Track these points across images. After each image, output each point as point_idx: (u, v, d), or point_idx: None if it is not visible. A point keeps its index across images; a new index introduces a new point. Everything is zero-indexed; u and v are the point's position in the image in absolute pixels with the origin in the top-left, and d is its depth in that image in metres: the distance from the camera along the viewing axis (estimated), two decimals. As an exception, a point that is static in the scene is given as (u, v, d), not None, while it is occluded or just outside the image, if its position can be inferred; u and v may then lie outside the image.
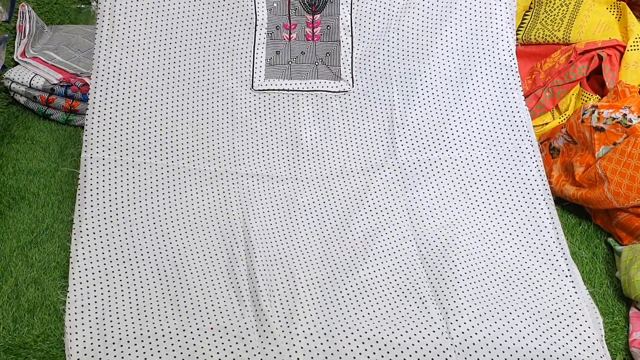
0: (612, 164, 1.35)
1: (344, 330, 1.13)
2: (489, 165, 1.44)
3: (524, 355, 1.11)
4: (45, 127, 1.76)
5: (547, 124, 1.73)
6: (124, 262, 1.22)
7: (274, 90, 1.55)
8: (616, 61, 1.65)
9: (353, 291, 1.22)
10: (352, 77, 1.57)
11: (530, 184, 1.39)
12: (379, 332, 1.12)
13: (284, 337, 1.11)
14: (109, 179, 1.32)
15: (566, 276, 1.26)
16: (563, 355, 1.11)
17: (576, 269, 1.27)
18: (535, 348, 1.11)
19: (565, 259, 1.29)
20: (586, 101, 1.68)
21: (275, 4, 1.58)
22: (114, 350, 1.06)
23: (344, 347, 1.10)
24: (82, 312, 1.12)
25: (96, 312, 1.13)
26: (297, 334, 1.11)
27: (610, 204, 1.36)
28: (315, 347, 1.10)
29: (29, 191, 1.49)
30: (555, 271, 1.27)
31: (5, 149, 1.63)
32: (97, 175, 1.31)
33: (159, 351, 1.07)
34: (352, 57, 1.58)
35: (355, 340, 1.11)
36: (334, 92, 1.57)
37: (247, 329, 1.11)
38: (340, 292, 1.21)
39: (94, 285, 1.17)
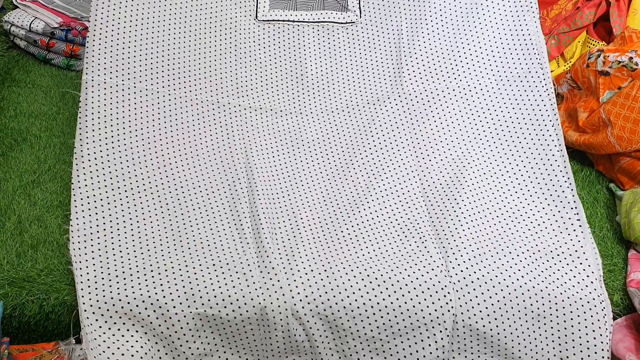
0: (617, 108, 1.34)
1: (344, 268, 1.14)
2: (497, 91, 1.42)
3: (522, 294, 1.12)
4: (46, 72, 1.75)
5: (552, 71, 1.71)
6: (125, 191, 1.22)
7: (278, 20, 1.52)
8: (624, 7, 1.62)
9: (354, 230, 1.22)
10: (359, 8, 1.55)
11: (539, 109, 1.37)
12: (378, 270, 1.13)
13: (285, 273, 1.12)
14: (110, 102, 1.30)
15: (572, 208, 1.25)
16: (561, 294, 1.13)
17: (581, 205, 1.27)
18: (533, 287, 1.12)
19: (572, 190, 1.28)
20: (593, 47, 1.66)
21: None
22: (117, 282, 1.08)
23: (343, 283, 1.11)
24: (85, 240, 1.13)
25: (99, 241, 1.14)
26: (298, 270, 1.12)
27: (613, 148, 1.36)
28: (316, 282, 1.11)
29: (30, 133, 1.49)
30: (561, 203, 1.27)
31: (6, 92, 1.62)
32: (98, 99, 1.29)
33: (161, 284, 1.08)
34: None
35: (354, 277, 1.12)
36: (341, 23, 1.54)
37: (248, 265, 1.12)
38: (342, 230, 1.22)
39: (96, 213, 1.17)
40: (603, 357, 1.12)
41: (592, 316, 1.12)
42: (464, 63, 1.46)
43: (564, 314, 1.12)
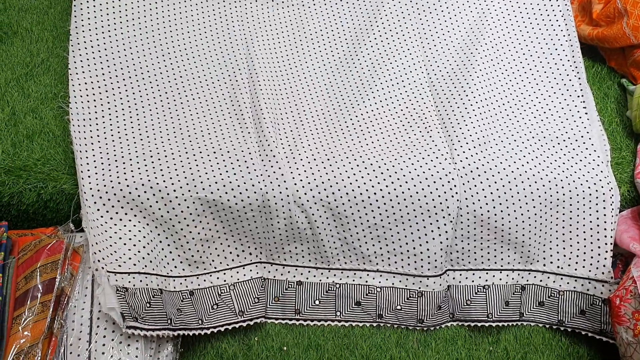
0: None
1: (347, 156, 1.12)
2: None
3: (528, 179, 1.11)
4: (35, -35, 1.67)
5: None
6: (123, 79, 1.19)
7: None
8: None
9: (358, 120, 1.20)
10: None
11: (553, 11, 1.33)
12: (382, 159, 1.12)
13: (287, 161, 1.10)
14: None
15: (578, 96, 1.24)
16: (567, 177, 1.12)
17: (590, 93, 1.25)
18: (538, 172, 1.11)
19: (579, 79, 1.26)
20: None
21: None
22: (117, 167, 1.07)
23: (346, 171, 1.09)
24: (85, 125, 1.11)
25: (97, 127, 1.12)
26: (301, 159, 1.11)
27: (628, 40, 1.30)
28: (318, 170, 1.10)
29: (21, 27, 1.43)
30: (567, 91, 1.25)
31: (-6, -15, 1.55)
32: None
33: (161, 170, 1.06)
34: None
35: (357, 165, 1.10)
36: None
37: (249, 153, 1.10)
38: (345, 120, 1.19)
39: (95, 100, 1.15)
40: (606, 244, 1.11)
41: (597, 197, 1.12)
42: None
43: (570, 198, 1.12)
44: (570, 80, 1.26)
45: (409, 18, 1.35)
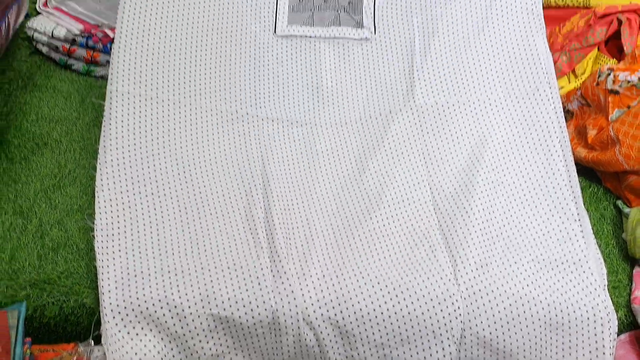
0: (625, 127, 1.36)
1: (355, 275, 1.17)
2: (505, 107, 1.45)
3: (527, 302, 1.15)
4: (66, 77, 1.80)
5: (562, 87, 1.74)
6: (146, 195, 1.26)
7: (296, 36, 1.57)
8: (635, 25, 1.64)
9: (365, 237, 1.25)
10: (374, 25, 1.59)
11: (546, 126, 1.40)
12: (389, 278, 1.17)
13: (297, 278, 1.15)
14: (134, 112, 1.35)
15: (575, 220, 1.29)
16: (565, 301, 1.16)
17: (587, 217, 1.30)
18: (538, 296, 1.16)
19: (576, 203, 1.31)
20: (603, 65, 1.69)
21: None
22: (136, 283, 1.11)
23: (354, 289, 1.14)
24: (108, 241, 1.17)
25: (119, 243, 1.17)
26: (310, 276, 1.16)
27: (620, 166, 1.38)
28: (327, 288, 1.14)
29: (51, 138, 1.53)
30: (565, 215, 1.30)
31: (28, 97, 1.66)
32: (122, 108, 1.34)
33: (177, 285, 1.12)
34: (374, 6, 1.60)
35: (365, 284, 1.15)
36: (356, 39, 1.58)
37: (262, 269, 1.15)
38: (354, 238, 1.25)
39: (118, 216, 1.21)
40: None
41: (595, 322, 1.15)
42: (474, 78, 1.49)
43: (569, 322, 1.15)
44: (567, 204, 1.31)
45: (414, 139, 1.44)
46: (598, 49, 1.72)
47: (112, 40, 1.78)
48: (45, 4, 1.86)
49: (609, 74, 1.43)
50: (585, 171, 1.54)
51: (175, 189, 1.30)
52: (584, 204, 1.44)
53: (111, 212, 1.22)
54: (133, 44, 1.40)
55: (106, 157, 1.29)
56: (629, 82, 1.38)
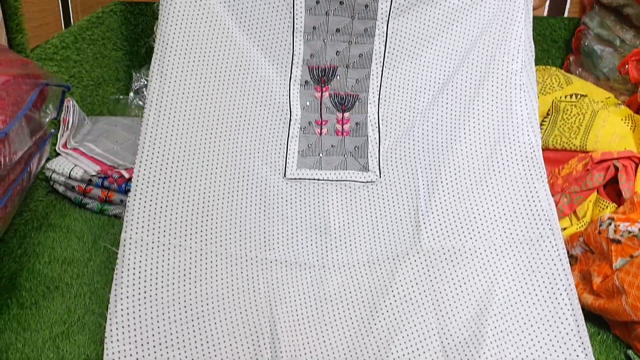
0: (630, 277, 1.38)
1: None
2: (511, 254, 1.48)
3: None
4: (80, 216, 1.85)
5: (565, 228, 1.77)
6: (154, 346, 1.26)
7: (304, 179, 1.62)
8: (632, 172, 1.70)
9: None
10: (379, 169, 1.65)
11: (552, 273, 1.42)
12: None
13: None
14: (145, 260, 1.38)
15: None
16: None
17: None
18: None
19: (586, 355, 1.30)
20: (603, 209, 1.73)
21: (308, 103, 1.69)
22: None
23: None
24: None
25: None
26: None
27: (628, 316, 1.38)
28: None
29: (62, 281, 1.55)
30: None
31: (42, 237, 1.70)
32: (135, 255, 1.37)
33: None
34: (379, 151, 1.67)
35: None
36: (362, 182, 1.64)
37: None
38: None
39: None
40: None
41: None
42: (478, 224, 1.53)
43: None
44: (577, 355, 1.31)
45: (422, 285, 1.46)
46: (597, 192, 1.77)
47: (127, 181, 1.85)
48: (65, 145, 1.96)
49: (609, 224, 1.46)
50: (594, 317, 1.54)
51: (183, 339, 1.30)
52: (594, 353, 1.43)
53: (119, 365, 1.22)
54: (148, 192, 1.45)
55: (117, 306, 1.31)
56: (630, 232, 1.41)
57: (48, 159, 1.88)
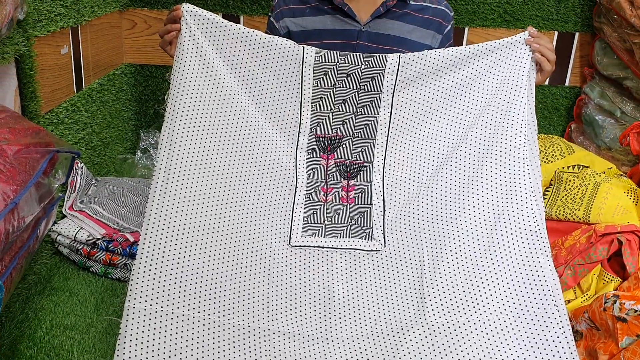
0: (637, 358, 1.37)
1: None
2: (516, 330, 1.46)
3: None
4: (83, 279, 1.84)
5: (569, 301, 1.77)
6: None
7: (309, 246, 1.63)
8: (635, 246, 1.71)
9: None
10: (384, 238, 1.65)
11: (557, 351, 1.40)
12: None
13: None
14: (148, 329, 1.36)
15: None
16: None
17: None
18: None
19: None
20: (607, 282, 1.73)
21: (314, 170, 1.71)
22: None
23: None
24: None
25: None
26: None
27: (636, 396, 1.37)
28: None
29: (63, 348, 1.53)
30: None
31: (45, 302, 1.70)
32: (137, 325, 1.36)
33: None
34: (384, 219, 1.67)
35: None
36: (367, 250, 1.64)
37: None
38: None
39: None
40: None
41: None
42: (483, 299, 1.52)
43: None
44: None
45: (427, 358, 1.44)
46: (601, 264, 1.77)
47: (131, 245, 1.86)
48: (71, 207, 1.97)
49: (615, 301, 1.46)
50: (600, 394, 1.52)
51: None
52: None
53: None
54: (153, 261, 1.45)
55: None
56: (635, 311, 1.40)
57: (54, 222, 1.89)
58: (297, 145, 1.72)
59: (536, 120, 1.74)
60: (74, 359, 1.51)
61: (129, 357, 1.32)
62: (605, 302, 1.48)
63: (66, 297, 1.74)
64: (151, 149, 2.70)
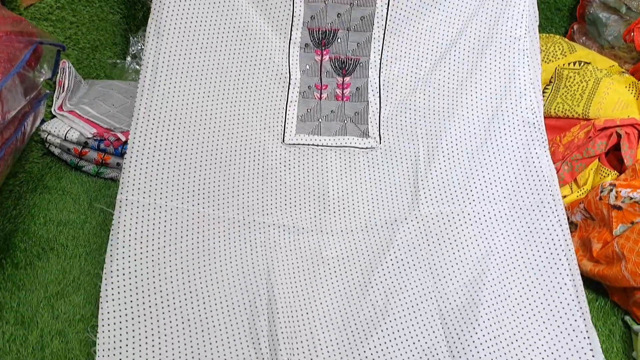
0: (630, 243, 1.37)
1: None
2: (510, 220, 1.46)
3: None
4: (76, 179, 1.83)
5: (566, 196, 1.76)
6: (150, 307, 1.25)
7: (303, 144, 1.60)
8: (634, 139, 1.68)
9: (371, 352, 1.23)
10: (379, 135, 1.63)
11: (552, 239, 1.40)
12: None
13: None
14: (142, 221, 1.36)
15: (584, 337, 1.27)
16: None
17: (595, 334, 1.28)
18: None
19: (584, 320, 1.29)
20: (604, 176, 1.71)
21: (308, 67, 1.66)
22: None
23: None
24: (109, 355, 1.16)
25: (120, 355, 1.16)
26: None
27: (627, 282, 1.38)
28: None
29: (57, 242, 1.53)
30: (574, 332, 1.28)
31: (37, 199, 1.69)
32: (131, 217, 1.36)
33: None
34: (379, 117, 1.64)
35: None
36: (362, 148, 1.62)
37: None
38: (359, 354, 1.23)
39: (121, 329, 1.20)
40: None
41: None
42: (477, 190, 1.51)
43: None
44: (575, 320, 1.30)
45: (420, 250, 1.44)
46: (599, 160, 1.75)
47: (123, 144, 1.83)
48: (61, 108, 1.93)
49: (611, 190, 1.45)
50: (592, 283, 1.53)
51: (179, 300, 1.29)
52: (592, 319, 1.42)
53: (114, 324, 1.21)
54: (144, 154, 1.43)
55: (112, 266, 1.29)
56: (631, 198, 1.39)
57: (43, 121, 1.85)
58: (290, 39, 1.66)
59: (538, 12, 1.67)
60: (68, 252, 1.51)
61: (123, 248, 1.32)
62: (602, 191, 1.47)
63: (59, 195, 1.73)
64: (141, 54, 2.62)
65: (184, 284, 1.32)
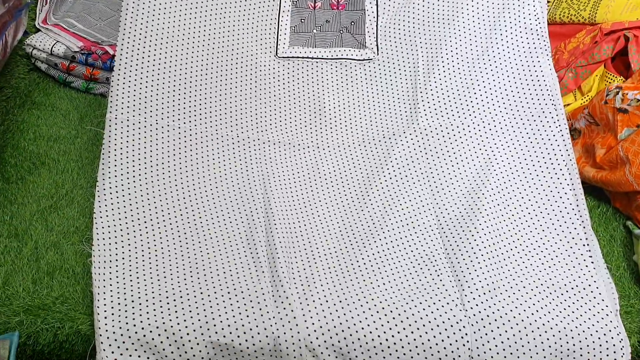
0: (635, 146, 1.33)
1: (359, 300, 1.14)
2: (510, 129, 1.43)
3: (538, 329, 1.12)
4: (65, 95, 1.77)
5: (569, 104, 1.71)
6: (145, 222, 1.24)
7: (297, 57, 1.54)
8: (643, 42, 1.62)
9: (370, 262, 1.22)
10: (377, 45, 1.56)
11: (552, 148, 1.38)
12: (394, 304, 1.13)
13: (300, 304, 1.12)
14: (133, 140, 1.33)
15: (583, 245, 1.26)
16: (575, 327, 1.12)
17: (595, 241, 1.27)
18: (548, 322, 1.13)
19: (584, 228, 1.28)
20: (610, 83, 1.66)
21: None
22: (133, 310, 1.08)
23: (358, 315, 1.11)
24: (105, 268, 1.15)
25: (117, 269, 1.15)
26: (313, 301, 1.13)
27: (630, 186, 1.35)
28: (330, 314, 1.11)
29: (49, 157, 1.50)
30: (573, 240, 1.27)
31: (26, 115, 1.64)
32: (122, 136, 1.32)
33: (176, 311, 1.09)
34: (377, 26, 1.58)
35: (369, 309, 1.12)
36: (358, 60, 1.56)
37: (263, 294, 1.12)
38: (357, 262, 1.22)
39: (116, 242, 1.19)
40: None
41: (607, 349, 1.12)
42: (478, 101, 1.47)
43: (581, 349, 1.12)
44: (575, 228, 1.29)
45: (418, 162, 1.41)
46: (605, 66, 1.69)
47: (111, 58, 1.76)
48: (45, 21, 1.85)
49: (617, 92, 1.40)
50: (594, 190, 1.51)
51: (174, 214, 1.27)
52: (593, 225, 1.41)
53: (109, 238, 1.19)
54: (132, 71, 1.38)
55: (105, 184, 1.26)
56: (638, 100, 1.35)
57: (27, 34, 1.78)
58: None
59: None
60: (60, 166, 1.47)
61: (115, 166, 1.29)
62: (607, 95, 1.42)
63: (48, 111, 1.68)
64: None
65: (178, 199, 1.29)
